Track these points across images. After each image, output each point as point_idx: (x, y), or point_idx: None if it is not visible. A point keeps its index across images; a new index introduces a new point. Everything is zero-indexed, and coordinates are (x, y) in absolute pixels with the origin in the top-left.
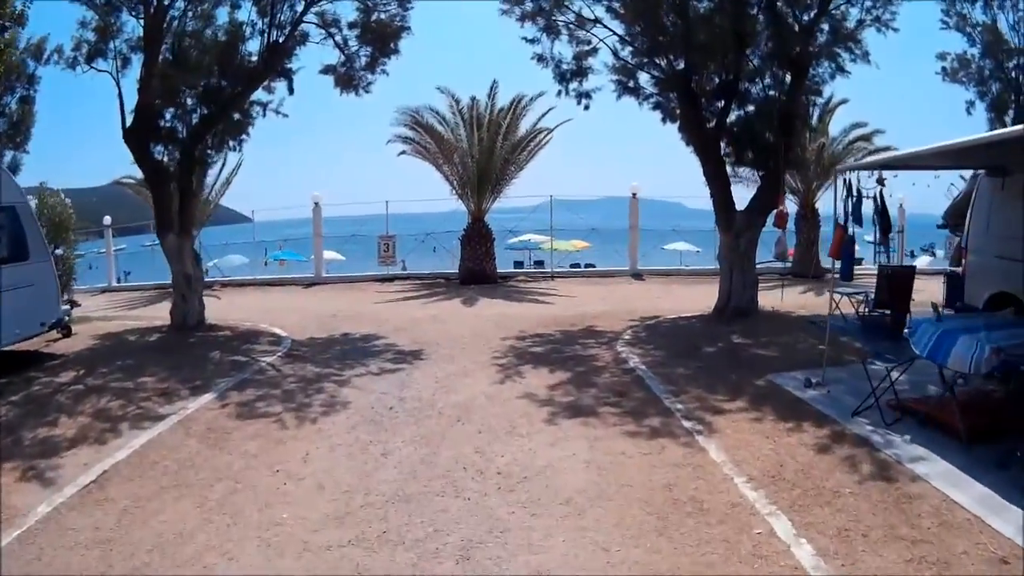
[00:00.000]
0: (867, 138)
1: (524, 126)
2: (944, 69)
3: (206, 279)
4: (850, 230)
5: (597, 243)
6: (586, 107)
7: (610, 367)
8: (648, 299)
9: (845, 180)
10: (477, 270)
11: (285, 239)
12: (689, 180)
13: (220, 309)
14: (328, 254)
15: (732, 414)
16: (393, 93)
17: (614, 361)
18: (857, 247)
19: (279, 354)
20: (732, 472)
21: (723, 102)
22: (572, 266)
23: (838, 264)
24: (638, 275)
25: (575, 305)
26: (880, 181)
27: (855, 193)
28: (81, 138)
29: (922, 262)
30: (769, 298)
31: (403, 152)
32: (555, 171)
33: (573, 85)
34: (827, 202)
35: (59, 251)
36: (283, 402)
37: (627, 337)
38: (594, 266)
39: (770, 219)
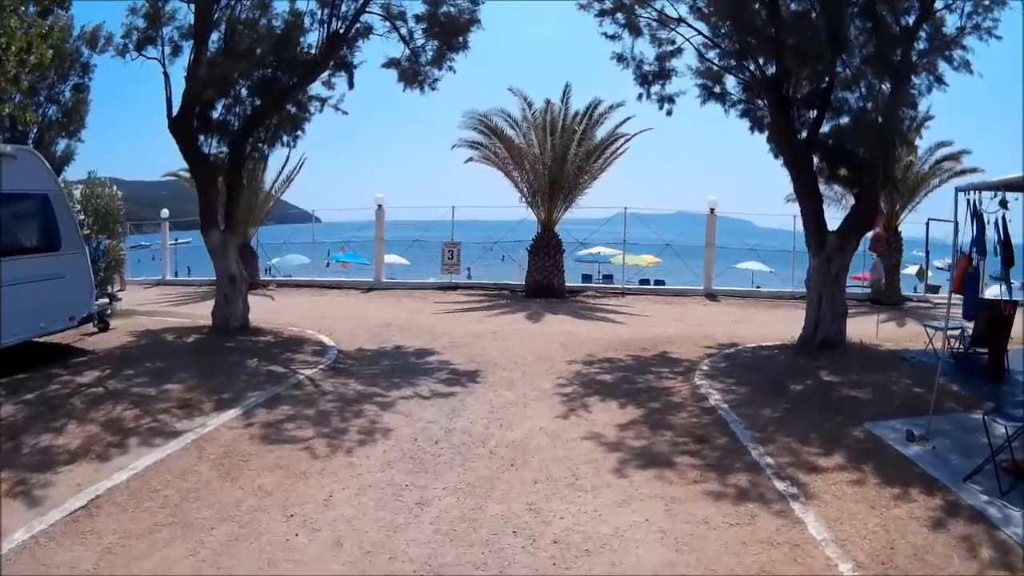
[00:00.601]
0: (955, 157)
1: (600, 134)
2: None
3: (262, 278)
4: (974, 261)
5: (667, 259)
6: (669, 112)
7: (687, 404)
8: (724, 323)
9: (969, 201)
10: (544, 283)
11: (347, 240)
12: (760, 198)
13: (270, 311)
14: (391, 258)
15: (830, 473)
16: (461, 95)
17: (692, 396)
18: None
19: (321, 366)
20: (836, 555)
21: (816, 112)
22: (641, 282)
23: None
24: (712, 295)
25: (647, 326)
26: (1004, 204)
27: (977, 217)
28: (146, 129)
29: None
30: (851, 327)
31: (470, 159)
32: (628, 183)
33: (655, 88)
34: (911, 225)
35: (105, 243)
36: (315, 425)
37: (705, 368)
38: (664, 283)
39: (864, 242)
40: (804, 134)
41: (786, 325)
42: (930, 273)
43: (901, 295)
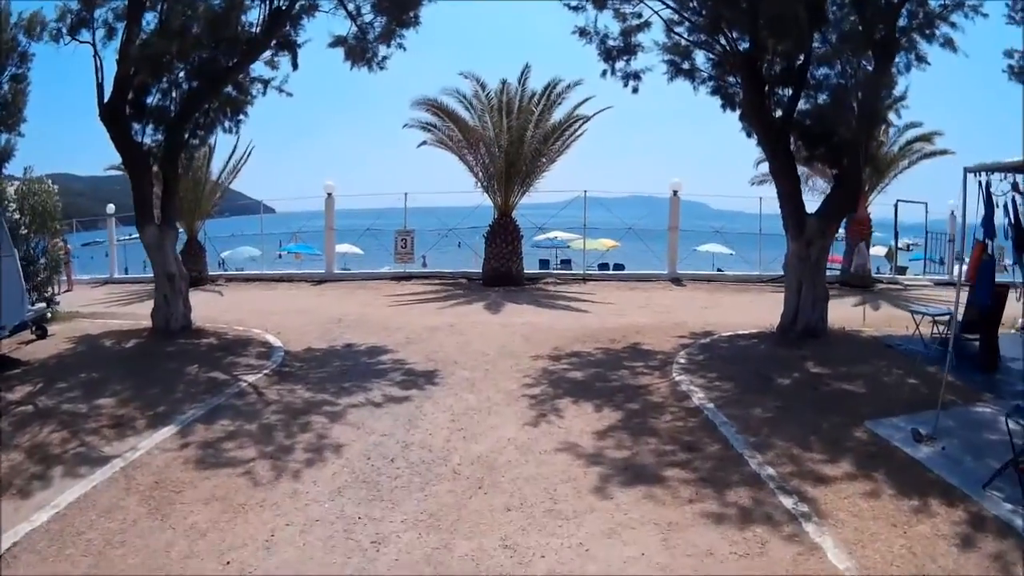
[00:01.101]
0: (927, 138)
1: (558, 115)
2: (1011, 68)
3: (211, 272)
4: (989, 248)
5: (627, 243)
6: (635, 89)
7: (669, 403)
8: (694, 310)
9: (980, 183)
10: (502, 270)
11: (299, 231)
12: (716, 181)
13: (217, 308)
14: (345, 247)
15: (839, 484)
16: (418, 82)
17: (672, 395)
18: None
19: (267, 371)
20: None
21: (792, 89)
22: (601, 267)
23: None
24: (677, 280)
25: (613, 314)
26: (1016, 188)
27: (987, 199)
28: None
29: None
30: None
31: (423, 143)
32: (587, 167)
33: (620, 64)
34: (880, 207)
35: (45, 243)
36: (257, 443)
37: (682, 361)
38: (623, 267)
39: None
40: (779, 113)
41: (758, 311)
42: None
43: (872, 277)
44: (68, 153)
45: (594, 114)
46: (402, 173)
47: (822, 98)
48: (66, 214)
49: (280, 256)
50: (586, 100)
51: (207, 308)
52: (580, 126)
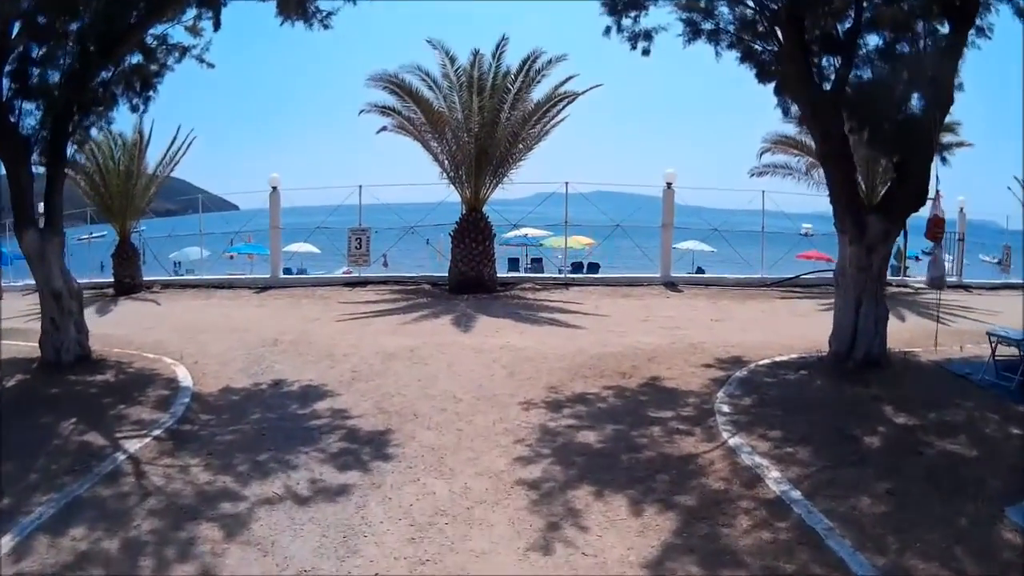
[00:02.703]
0: (950, 129)
1: (537, 95)
2: None
3: (147, 278)
4: None
5: (606, 241)
6: (645, 51)
7: (736, 493)
8: (704, 324)
9: None
10: (472, 275)
11: (242, 230)
12: (682, 172)
13: (140, 323)
14: (299, 247)
15: None
16: (381, 60)
17: (735, 475)
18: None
19: (159, 431)
20: None
21: (844, 55)
22: (574, 266)
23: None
24: (672, 284)
25: (612, 332)
26: None
27: None
28: None
29: None
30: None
31: (383, 129)
32: (567, 158)
33: (627, 21)
34: None
35: None
36: None
37: (726, 409)
38: (598, 266)
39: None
40: (826, 85)
41: (780, 325)
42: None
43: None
44: None
45: (583, 91)
46: (359, 163)
47: (881, 66)
48: None
49: (232, 257)
50: (570, 78)
51: (128, 323)
52: (564, 107)
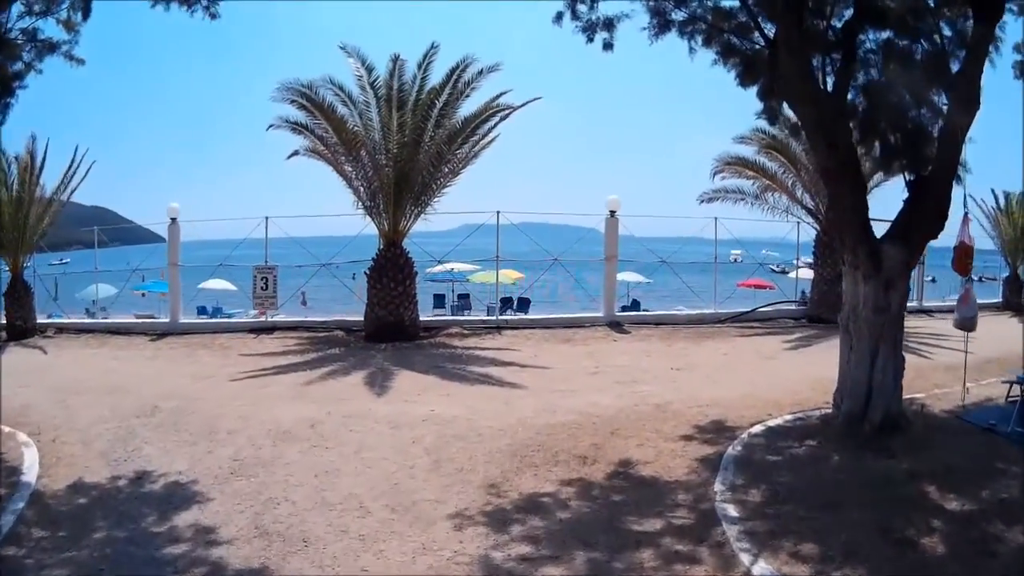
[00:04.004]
0: None
1: (468, 111)
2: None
3: (39, 321)
4: None
5: (533, 275)
6: (607, 46)
7: None
8: (666, 375)
9: None
10: (391, 320)
11: (138, 268)
12: (630, 200)
13: (13, 379)
14: (215, 283)
15: None
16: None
17: None
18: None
19: None
20: None
21: (843, 54)
22: (503, 302)
23: None
24: (617, 324)
25: (556, 389)
26: None
27: None
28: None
29: None
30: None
31: (295, 153)
32: (499, 187)
33: (582, 7)
34: None
35: None
36: None
37: (731, 512)
38: (529, 302)
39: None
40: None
41: (752, 371)
42: None
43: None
44: None
45: (520, 105)
46: (276, 191)
47: (891, 69)
48: None
49: (143, 295)
50: (504, 93)
51: (3, 379)
52: (497, 122)
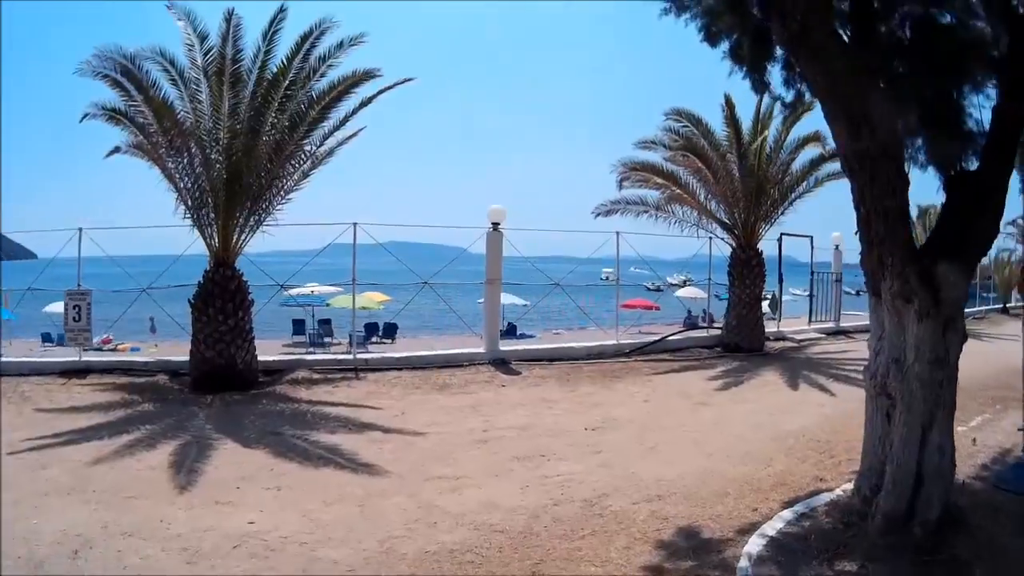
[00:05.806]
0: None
1: (321, 87)
2: None
3: None
4: None
5: (400, 296)
6: None
7: None
8: (581, 441)
9: None
10: (220, 363)
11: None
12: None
13: None
14: (57, 307)
15: None
16: None
17: None
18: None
19: None
20: None
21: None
22: (367, 329)
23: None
24: (503, 362)
25: (436, 474)
26: None
27: None
28: None
29: None
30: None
31: (116, 150)
32: (360, 195)
33: None
34: (764, 243)
35: None
36: None
37: None
38: (396, 328)
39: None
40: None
41: (694, 428)
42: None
43: (762, 337)
44: None
45: (392, 85)
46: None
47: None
48: None
49: None
50: (369, 73)
51: None
52: (359, 108)
